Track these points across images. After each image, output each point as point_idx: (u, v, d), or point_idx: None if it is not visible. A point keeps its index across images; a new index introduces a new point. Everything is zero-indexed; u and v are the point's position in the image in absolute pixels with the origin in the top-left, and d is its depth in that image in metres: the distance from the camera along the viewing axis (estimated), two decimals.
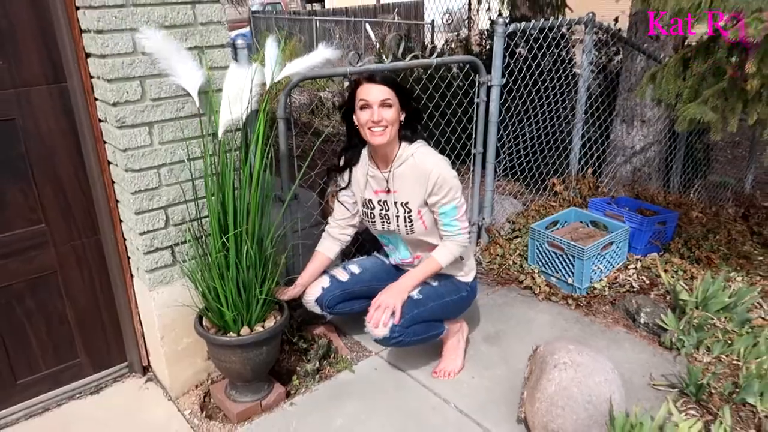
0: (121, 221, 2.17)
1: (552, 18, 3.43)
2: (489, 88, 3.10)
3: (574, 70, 4.34)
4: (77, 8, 1.86)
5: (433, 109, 3.27)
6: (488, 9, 8.84)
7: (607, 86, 4.48)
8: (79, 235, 2.15)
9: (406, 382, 2.36)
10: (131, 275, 2.25)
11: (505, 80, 3.13)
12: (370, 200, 2.29)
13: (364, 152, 2.27)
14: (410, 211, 2.20)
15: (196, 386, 2.33)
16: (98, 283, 2.25)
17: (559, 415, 1.88)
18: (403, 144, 2.19)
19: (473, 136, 3.20)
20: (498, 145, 3.33)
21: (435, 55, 2.76)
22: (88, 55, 1.92)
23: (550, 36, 3.59)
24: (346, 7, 15.45)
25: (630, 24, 3.99)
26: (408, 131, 2.20)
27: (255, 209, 2.01)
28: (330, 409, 2.21)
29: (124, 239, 2.19)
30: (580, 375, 1.91)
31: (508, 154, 3.94)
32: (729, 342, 2.42)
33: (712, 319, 2.51)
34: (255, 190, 2.00)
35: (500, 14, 6.53)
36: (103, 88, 1.89)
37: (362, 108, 2.09)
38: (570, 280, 2.96)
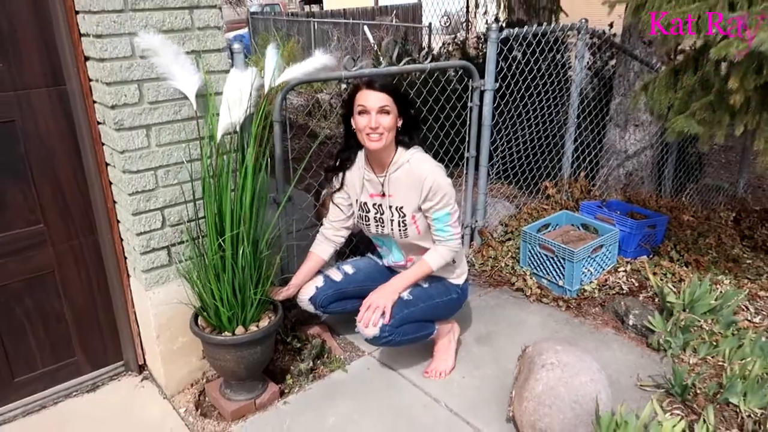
0: (118, 222, 2.20)
1: (546, 23, 3.47)
2: (482, 93, 3.14)
3: (568, 74, 4.39)
4: (77, 12, 1.90)
5: (427, 112, 3.32)
6: (485, 12, 8.90)
7: (600, 90, 4.53)
8: (77, 236, 2.19)
9: (397, 381, 2.40)
10: (128, 275, 2.29)
11: (498, 85, 3.17)
12: (365, 203, 2.33)
13: (361, 156, 2.31)
14: (404, 215, 2.25)
15: (191, 385, 2.36)
16: (95, 283, 2.28)
17: (546, 414, 1.93)
18: (400, 149, 2.23)
19: (467, 139, 3.24)
20: (491, 148, 3.37)
21: (429, 59, 2.80)
22: (87, 59, 1.96)
23: (543, 41, 3.63)
24: (344, 9, 15.51)
25: (624, 29, 4.04)
26: (405, 137, 2.24)
27: (251, 211, 2.05)
28: (323, 408, 2.24)
29: (122, 239, 2.23)
30: (567, 375, 1.95)
31: (501, 157, 3.99)
32: (714, 344, 2.46)
33: (699, 321, 2.55)
34: (251, 192, 2.04)
35: (496, 19, 6.59)
36: (101, 91, 1.92)
37: (360, 113, 2.13)
38: (561, 282, 3.00)
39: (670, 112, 2.68)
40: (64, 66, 1.98)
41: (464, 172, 3.34)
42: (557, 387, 1.94)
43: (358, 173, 2.32)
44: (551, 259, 3.02)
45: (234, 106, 1.98)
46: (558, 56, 4.67)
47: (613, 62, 4.61)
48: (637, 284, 3.06)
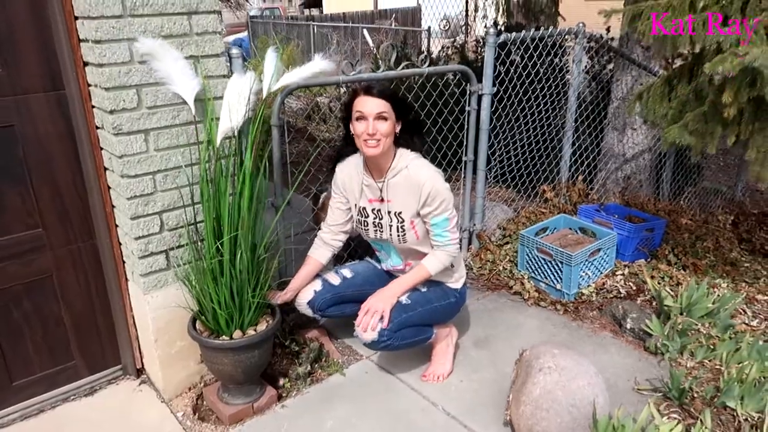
0: (116, 226, 2.21)
1: (543, 28, 3.48)
2: (480, 97, 3.15)
3: (566, 78, 4.40)
4: (76, 18, 1.91)
5: (425, 116, 3.32)
6: (484, 16, 8.92)
7: (598, 94, 4.54)
8: (75, 240, 2.19)
9: (395, 385, 2.41)
10: (126, 279, 2.29)
11: (496, 89, 3.18)
12: (364, 208, 2.33)
13: (360, 161, 2.31)
14: (403, 221, 2.25)
15: (189, 389, 2.36)
16: (94, 287, 2.29)
17: (543, 418, 1.93)
18: (398, 155, 2.23)
19: (465, 143, 3.25)
20: (489, 152, 3.38)
21: (427, 63, 2.81)
22: (86, 64, 1.97)
23: (541, 45, 3.65)
24: (343, 13, 15.54)
25: (621, 34, 4.05)
26: (404, 142, 2.24)
27: (249, 215, 2.06)
28: (321, 412, 2.25)
29: (120, 244, 2.24)
30: (564, 379, 1.95)
31: (499, 161, 4.00)
32: (712, 347, 2.47)
33: (696, 324, 2.56)
34: (249, 196, 2.04)
35: (495, 23, 6.60)
36: (100, 96, 1.93)
37: (358, 119, 2.14)
38: (558, 286, 3.01)
39: (664, 121, 2.70)
40: (63, 71, 1.99)
41: (462, 176, 3.35)
42: (554, 391, 1.94)
43: (357, 178, 2.32)
44: (549, 263, 3.03)
45: (234, 110, 1.99)
46: (556, 60, 4.69)
47: (610, 66, 4.63)
48: (634, 288, 3.06)
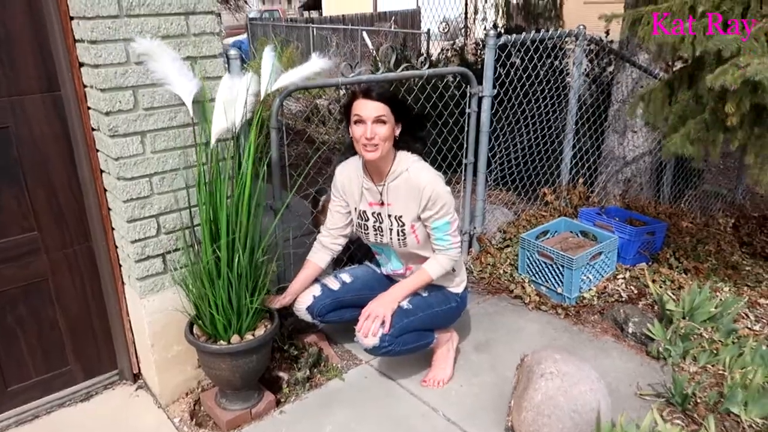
0: (113, 229, 2.18)
1: (543, 30, 3.47)
2: (480, 99, 3.13)
3: (566, 80, 4.39)
4: (71, 18, 1.88)
5: (425, 119, 3.30)
6: (484, 18, 8.92)
7: (598, 97, 4.52)
8: (71, 243, 2.17)
9: (395, 390, 2.38)
10: (122, 283, 2.26)
11: (496, 91, 3.16)
12: (364, 212, 2.31)
13: (359, 164, 2.28)
14: (403, 225, 2.23)
15: (186, 394, 2.34)
16: (90, 291, 2.26)
17: (545, 424, 1.90)
18: (398, 158, 2.21)
19: (465, 146, 3.23)
20: (489, 155, 3.36)
21: (427, 65, 2.79)
22: (81, 65, 1.94)
23: (541, 48, 3.63)
24: (343, 15, 15.52)
25: (621, 38, 4.03)
26: (404, 144, 2.22)
27: (247, 218, 2.03)
28: (320, 417, 2.22)
29: (116, 247, 2.21)
30: (566, 384, 1.93)
31: (499, 163, 3.98)
32: (715, 352, 2.44)
33: (699, 329, 2.53)
34: (247, 199, 2.02)
35: (495, 25, 6.60)
36: (96, 98, 1.91)
37: (356, 123, 2.11)
38: (559, 290, 2.98)
39: (665, 125, 2.69)
40: (59, 72, 1.97)
41: (462, 178, 3.33)
42: (556, 396, 1.91)
43: (357, 181, 2.30)
44: (550, 267, 3.01)
45: (228, 111, 1.96)
46: (556, 63, 4.67)
47: (611, 68, 4.62)
48: (636, 292, 3.04)
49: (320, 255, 2.41)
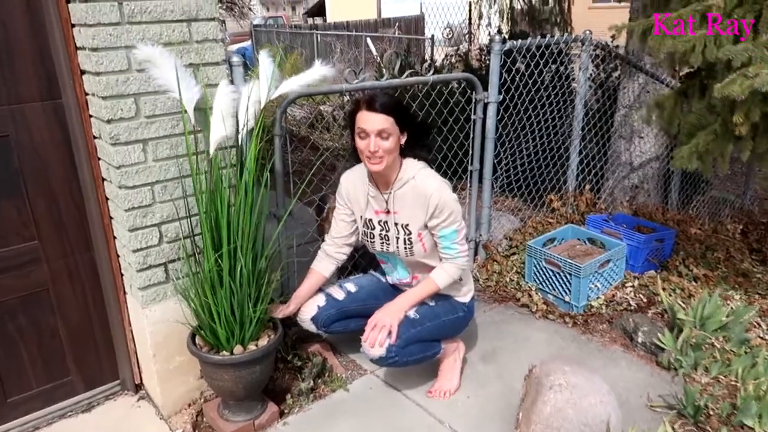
0: (114, 238, 2.16)
1: (549, 35, 3.44)
2: (486, 105, 3.10)
3: (572, 86, 4.35)
4: (73, 26, 1.87)
5: (430, 126, 3.27)
6: (488, 24, 8.91)
7: (605, 102, 4.49)
8: (72, 252, 2.14)
9: (401, 401, 2.34)
10: (124, 292, 2.24)
11: (501, 97, 3.13)
12: (370, 220, 2.28)
13: (365, 171, 2.25)
14: (410, 233, 2.19)
15: (189, 405, 2.30)
16: (91, 300, 2.23)
17: None
18: (405, 165, 2.17)
19: (470, 152, 3.20)
20: (495, 161, 3.33)
21: (432, 71, 2.76)
22: (83, 72, 1.93)
23: (547, 53, 3.60)
24: (347, 21, 15.55)
25: (627, 41, 4.00)
26: (410, 152, 2.18)
27: (249, 226, 2.00)
28: (324, 428, 2.18)
29: (118, 256, 2.18)
30: (576, 396, 1.89)
31: (505, 170, 3.94)
32: (727, 362, 2.39)
33: (710, 338, 2.49)
34: (250, 207, 1.99)
35: (499, 31, 6.58)
36: (97, 105, 1.89)
37: (360, 136, 2.08)
38: (567, 298, 2.94)
39: (679, 134, 2.66)
40: (60, 79, 1.95)
41: (468, 185, 3.30)
42: (565, 409, 1.87)
43: (362, 189, 2.26)
44: (557, 275, 2.96)
45: (227, 118, 1.93)
46: (562, 68, 4.64)
47: (617, 74, 4.58)
48: (645, 300, 2.99)
49: (324, 264, 2.38)
